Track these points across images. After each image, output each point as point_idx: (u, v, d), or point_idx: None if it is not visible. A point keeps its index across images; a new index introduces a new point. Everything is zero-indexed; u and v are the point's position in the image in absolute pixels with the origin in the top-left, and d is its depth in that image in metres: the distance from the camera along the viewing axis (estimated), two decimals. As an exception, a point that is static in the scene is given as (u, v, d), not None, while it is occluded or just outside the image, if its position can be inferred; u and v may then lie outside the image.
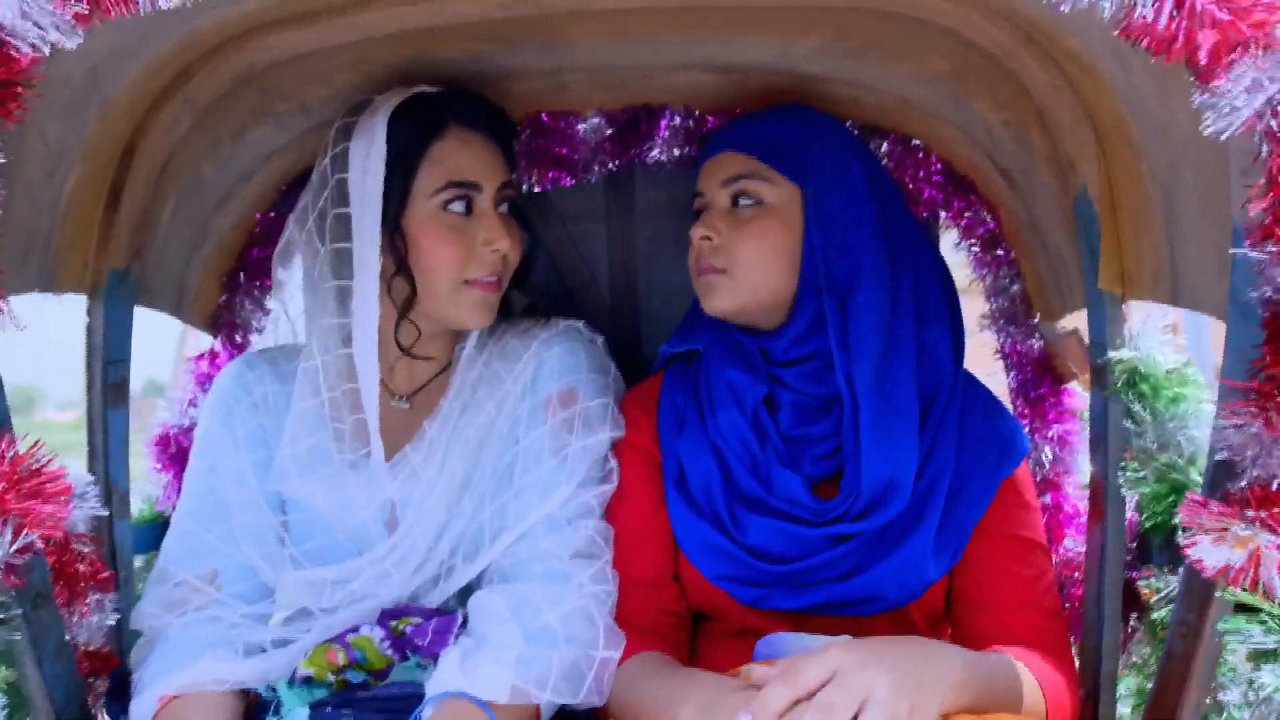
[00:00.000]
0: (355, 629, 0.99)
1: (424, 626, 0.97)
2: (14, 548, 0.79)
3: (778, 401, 1.07)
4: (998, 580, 1.02)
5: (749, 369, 1.07)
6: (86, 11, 0.71)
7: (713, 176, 1.10)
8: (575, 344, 1.11)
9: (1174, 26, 0.62)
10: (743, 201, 1.07)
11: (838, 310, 1.04)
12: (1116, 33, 0.66)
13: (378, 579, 1.03)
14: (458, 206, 1.05)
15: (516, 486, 1.04)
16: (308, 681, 0.95)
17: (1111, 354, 0.97)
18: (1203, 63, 0.62)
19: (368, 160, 1.02)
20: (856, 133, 1.25)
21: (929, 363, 1.06)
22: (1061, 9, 0.65)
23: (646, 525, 1.07)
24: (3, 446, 0.82)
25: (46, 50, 0.71)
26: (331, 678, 0.96)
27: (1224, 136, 0.63)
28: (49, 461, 0.85)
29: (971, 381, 1.11)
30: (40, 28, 0.70)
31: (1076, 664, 1.03)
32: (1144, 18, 0.63)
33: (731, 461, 1.05)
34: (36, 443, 0.85)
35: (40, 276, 0.97)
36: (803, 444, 1.06)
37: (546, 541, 1.01)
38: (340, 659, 0.96)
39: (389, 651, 0.97)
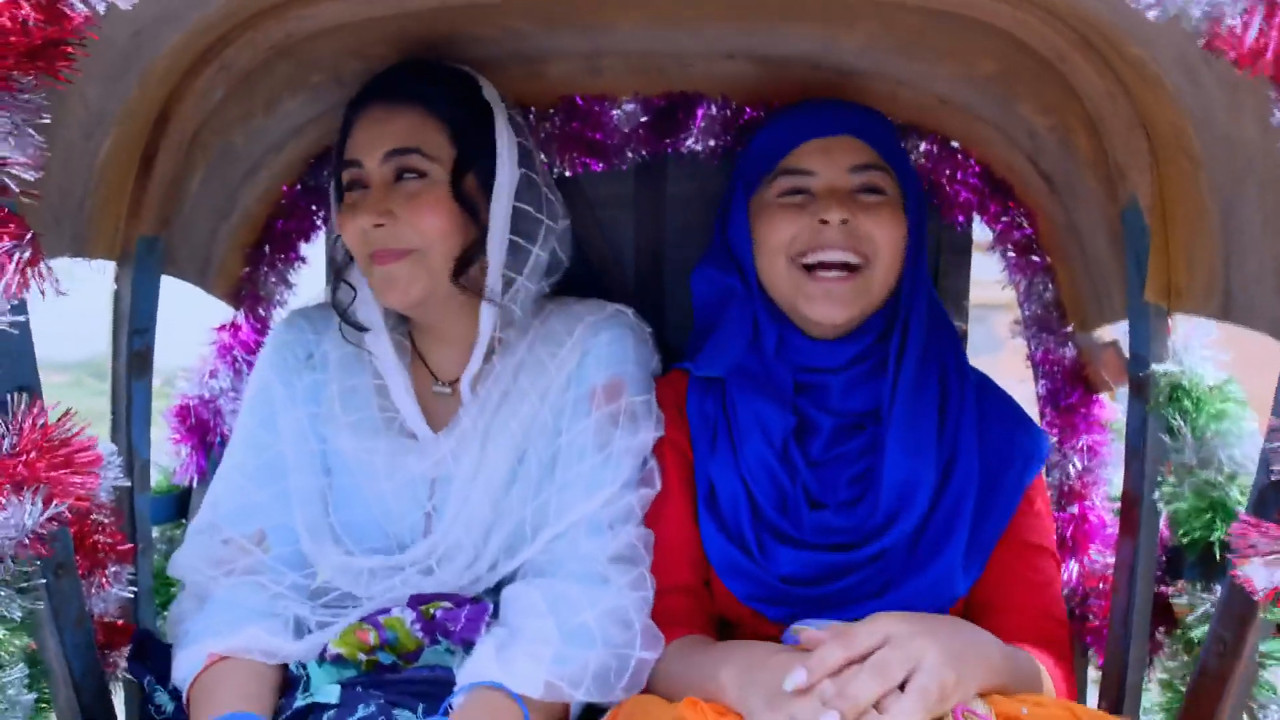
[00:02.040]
0: (386, 610, 0.98)
1: (456, 613, 0.96)
2: (45, 516, 0.78)
3: (809, 427, 1.05)
4: (1009, 584, 1.03)
5: (777, 400, 1.04)
6: (143, -28, 0.69)
7: (832, 157, 1.03)
8: (623, 332, 1.07)
9: (1263, 40, 0.61)
10: (870, 192, 1.03)
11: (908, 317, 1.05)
12: (1201, 43, 0.64)
13: (420, 575, 1.02)
14: (354, 187, 1.03)
15: (559, 482, 1.02)
16: (338, 660, 0.94)
17: (1155, 367, 0.96)
18: (1291, 78, 0.61)
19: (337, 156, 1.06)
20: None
21: (943, 370, 1.07)
22: (1147, 15, 0.64)
23: (683, 532, 1.06)
24: (34, 415, 0.81)
25: (101, 9, 0.70)
26: (362, 657, 0.95)
27: (1305, 153, 0.62)
28: (80, 431, 0.84)
29: (986, 386, 1.10)
30: (95, -14, 0.68)
31: (1101, 676, 1.03)
32: (1232, 29, 0.62)
33: (758, 495, 1.03)
34: (67, 412, 0.84)
35: (73, 241, 0.95)
36: (837, 465, 1.04)
37: (587, 544, 0.99)
38: (372, 639, 0.95)
39: (420, 634, 0.96)
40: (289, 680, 0.95)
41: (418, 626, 0.96)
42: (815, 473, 1.03)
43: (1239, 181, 0.81)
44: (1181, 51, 0.79)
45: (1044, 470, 1.12)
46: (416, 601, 0.99)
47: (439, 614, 0.97)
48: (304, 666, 0.94)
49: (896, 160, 1.07)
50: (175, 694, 0.97)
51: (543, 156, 1.29)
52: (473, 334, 1.06)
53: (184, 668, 0.96)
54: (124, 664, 1.00)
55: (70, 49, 0.73)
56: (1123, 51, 0.89)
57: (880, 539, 1.00)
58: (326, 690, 0.86)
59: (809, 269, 1.02)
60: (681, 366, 1.13)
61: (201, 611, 1.00)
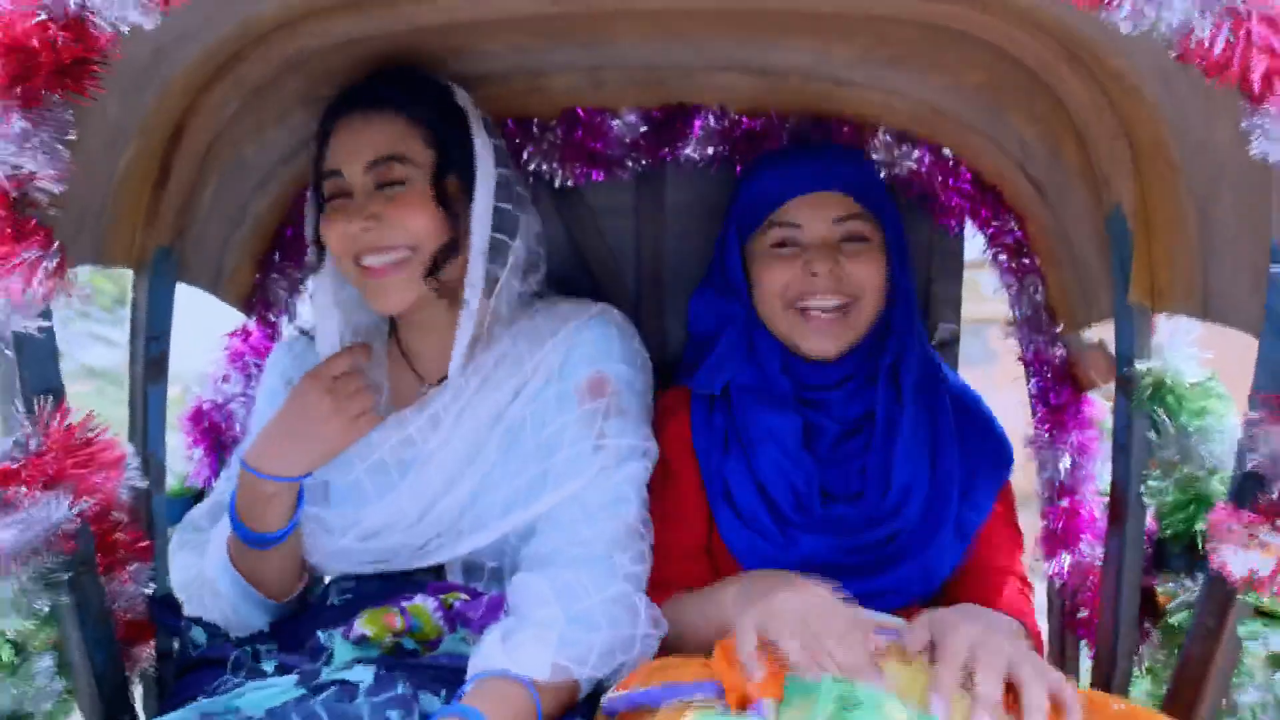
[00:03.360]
0: (410, 597, 1.01)
1: (475, 603, 0.99)
2: (70, 514, 0.81)
3: (816, 431, 1.15)
4: (981, 550, 1.14)
5: (783, 408, 1.14)
6: (168, -6, 0.72)
7: (817, 212, 1.15)
8: (607, 329, 1.10)
9: (1229, 52, 0.64)
10: (852, 240, 1.14)
11: (899, 346, 1.15)
12: (1173, 55, 0.68)
13: (358, 541, 1.07)
14: (336, 197, 1.06)
15: (542, 469, 1.05)
16: (362, 640, 0.97)
17: (1139, 365, 0.99)
18: (1255, 87, 0.64)
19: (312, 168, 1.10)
20: (889, 139, 1.28)
21: (929, 380, 1.18)
22: (1121, 28, 0.67)
23: (685, 502, 1.14)
24: (58, 415, 0.84)
25: (125, 30, 0.73)
26: (388, 640, 0.98)
27: (1271, 159, 0.65)
28: (103, 431, 0.87)
29: (962, 391, 1.22)
30: (123, 8, 0.72)
31: (1092, 666, 1.06)
32: (1201, 42, 0.66)
33: (776, 497, 1.12)
34: (90, 412, 0.87)
35: (93, 250, 0.98)
36: (845, 462, 1.14)
37: (585, 528, 1.02)
38: (398, 624, 0.98)
39: (440, 622, 0.99)
40: (315, 649, 0.98)
41: (439, 615, 0.99)
42: (827, 470, 1.13)
43: (1214, 185, 0.85)
44: (1158, 62, 0.83)
45: (1036, 467, 1.25)
46: (436, 590, 1.02)
47: (458, 604, 1.00)
48: (330, 638, 0.97)
49: (876, 204, 1.17)
50: (208, 626, 1.03)
51: (545, 166, 1.33)
52: (446, 322, 1.10)
53: (215, 551, 1.06)
54: (144, 660, 1.03)
55: (96, 67, 0.77)
56: (1104, 63, 0.93)
57: (885, 525, 1.10)
58: (359, 670, 0.89)
59: (803, 310, 1.14)
60: (682, 384, 1.22)
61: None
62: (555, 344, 1.08)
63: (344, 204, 1.05)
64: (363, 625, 0.97)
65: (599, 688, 0.96)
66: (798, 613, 0.81)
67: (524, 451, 1.06)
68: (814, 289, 1.13)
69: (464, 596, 1.01)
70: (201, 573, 1.09)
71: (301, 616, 1.08)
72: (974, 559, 1.13)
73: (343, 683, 0.87)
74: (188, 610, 1.07)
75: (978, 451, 1.16)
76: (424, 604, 1.00)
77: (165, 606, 1.04)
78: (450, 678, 0.93)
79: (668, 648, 1.00)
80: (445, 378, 1.10)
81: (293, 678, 0.91)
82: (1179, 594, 0.96)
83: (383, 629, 0.98)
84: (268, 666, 0.97)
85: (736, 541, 1.11)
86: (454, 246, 1.05)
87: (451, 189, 1.06)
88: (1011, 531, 1.17)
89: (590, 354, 1.08)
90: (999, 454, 1.17)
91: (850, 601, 0.88)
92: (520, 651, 0.91)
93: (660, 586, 1.05)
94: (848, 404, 1.16)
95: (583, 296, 1.18)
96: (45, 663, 0.83)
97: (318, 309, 1.11)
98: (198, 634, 1.02)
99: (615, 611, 0.97)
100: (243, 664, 0.98)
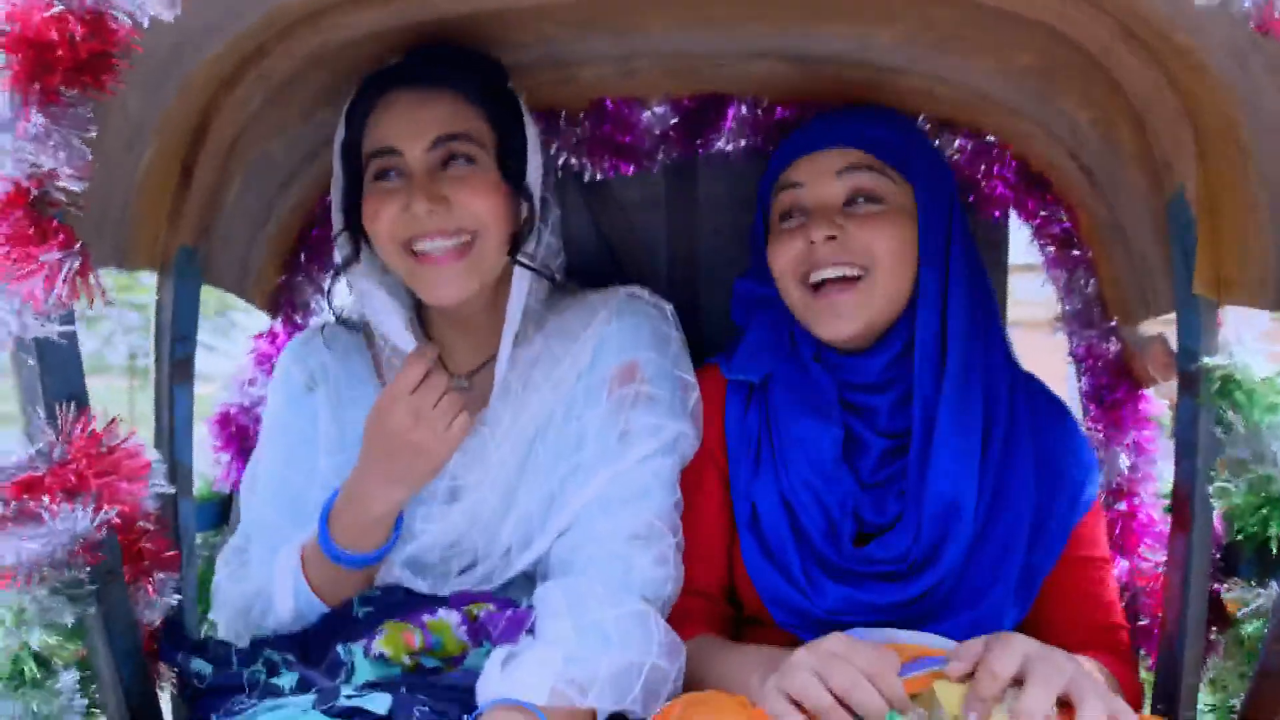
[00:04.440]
0: (433, 611, 0.97)
1: (498, 616, 0.96)
2: (94, 523, 0.79)
3: (858, 447, 1.02)
4: (1065, 602, 1.02)
5: (820, 414, 1.02)
6: (187, -17, 0.70)
7: (817, 165, 1.03)
8: (636, 319, 1.05)
9: (1322, 21, 0.59)
10: (862, 200, 1.01)
11: (934, 322, 1.00)
12: (1252, 26, 0.63)
13: (413, 573, 1.03)
14: (385, 177, 1.00)
15: (572, 464, 1.01)
16: (381, 659, 0.94)
17: (1206, 360, 0.94)
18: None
19: (337, 151, 1.04)
20: (926, 126, 1.23)
21: (993, 382, 1.02)
22: (1196, 1, 0.62)
23: (705, 537, 1.05)
24: (83, 423, 0.82)
25: (145, 22, 0.71)
26: (406, 659, 0.95)
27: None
28: (128, 437, 0.85)
29: (1038, 394, 1.06)
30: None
31: (1154, 678, 1.01)
32: (1287, 11, 0.61)
33: (805, 522, 1.01)
34: (114, 419, 0.85)
35: (115, 251, 0.96)
36: (888, 486, 1.01)
37: (603, 523, 0.98)
38: (417, 642, 0.95)
39: (464, 638, 0.96)
40: (333, 664, 0.95)
41: (463, 629, 0.96)
42: (865, 495, 1.01)
43: None
44: (1230, 38, 0.78)
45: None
46: (460, 601, 0.99)
47: (483, 615, 0.96)
48: (350, 653, 0.94)
49: (901, 159, 1.03)
50: (213, 658, 0.98)
51: (574, 160, 1.30)
52: (495, 321, 1.04)
53: (286, 568, 1.02)
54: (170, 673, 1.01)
55: (114, 62, 0.74)
56: (1168, 40, 0.88)
57: (927, 572, 0.97)
58: (375, 699, 0.85)
59: (816, 288, 1.02)
60: (714, 362, 1.12)
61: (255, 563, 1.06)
62: (587, 338, 1.04)
63: (398, 185, 0.99)
64: (381, 644, 0.94)
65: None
66: (814, 666, 0.75)
67: (555, 448, 1.02)
68: (818, 260, 0.99)
69: (490, 607, 0.97)
70: (257, 597, 1.04)
71: (324, 625, 1.03)
72: (1050, 610, 1.01)
73: (359, 711, 0.84)
74: (233, 634, 1.04)
75: (1055, 476, 1.01)
76: (447, 618, 0.96)
77: (171, 632, 1.00)
78: (472, 697, 0.89)
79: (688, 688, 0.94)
80: (474, 372, 1.07)
81: (310, 698, 0.88)
82: (1249, 601, 0.91)
83: (401, 648, 0.95)
84: (286, 681, 0.94)
85: (760, 578, 1.01)
86: (532, 225, 1.01)
87: (514, 172, 1.02)
88: (1098, 584, 1.02)
89: (620, 344, 1.03)
90: (1084, 477, 1.01)
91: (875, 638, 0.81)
92: (519, 675, 0.87)
93: (679, 618, 0.98)
94: (895, 414, 1.02)
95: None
96: (70, 677, 0.81)
97: (372, 304, 1.05)
98: (200, 665, 0.97)
99: (629, 629, 0.91)
100: (257, 683, 0.94)
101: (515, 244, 1.01)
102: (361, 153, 1.02)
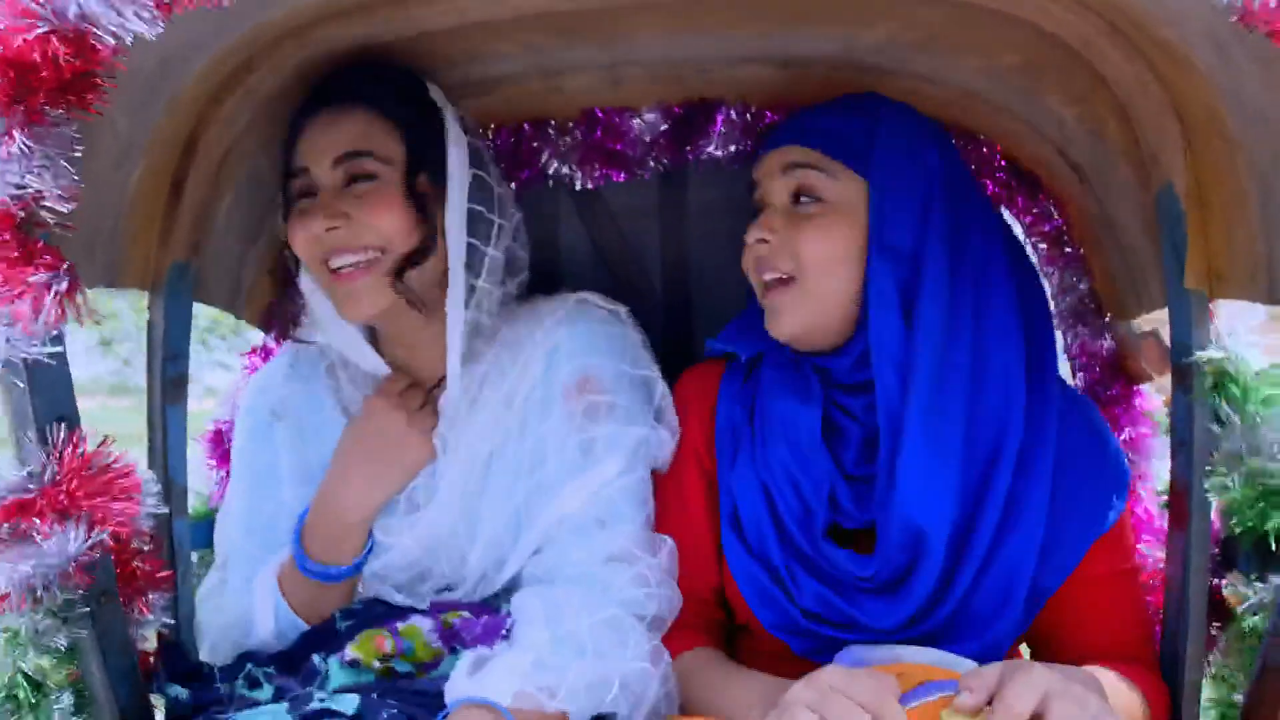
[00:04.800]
0: (405, 617, 0.97)
1: (473, 622, 0.96)
2: (87, 544, 0.79)
3: (839, 432, 0.99)
4: (1088, 625, 0.97)
5: (802, 396, 0.99)
6: (169, 1, 0.70)
7: (770, 167, 1.02)
8: (589, 323, 1.03)
9: (1302, 11, 0.59)
10: (803, 199, 0.98)
11: (893, 323, 0.94)
12: (1234, 18, 0.63)
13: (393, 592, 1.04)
14: (302, 199, 1.00)
15: (535, 483, 1.00)
16: (354, 664, 0.94)
17: (1198, 354, 0.94)
18: (1331, 50, 0.59)
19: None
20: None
21: (991, 393, 0.94)
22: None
23: (697, 537, 1.03)
24: (73, 444, 0.82)
25: (128, 40, 0.71)
26: (377, 664, 0.95)
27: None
28: (119, 457, 0.85)
29: (1076, 408, 0.99)
30: (122, 17, 0.69)
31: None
32: (1265, 3, 0.61)
33: (781, 508, 0.98)
34: (106, 438, 0.85)
35: (106, 271, 0.96)
36: (862, 485, 0.97)
37: (578, 548, 0.97)
38: (388, 647, 0.95)
39: (437, 644, 0.96)
40: (309, 671, 0.95)
41: (435, 635, 0.96)
42: (850, 486, 0.97)
43: (1276, 159, 0.80)
44: (1211, 29, 0.78)
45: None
46: (437, 609, 0.98)
47: (458, 622, 0.96)
48: (326, 661, 0.94)
49: (858, 154, 0.97)
50: (193, 678, 0.97)
51: (565, 169, 1.29)
52: (442, 339, 1.01)
53: (264, 589, 1.02)
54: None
55: (100, 81, 0.74)
56: (1151, 34, 0.88)
57: (904, 597, 0.92)
58: (344, 700, 0.85)
59: (768, 286, 1.00)
60: (711, 346, 1.10)
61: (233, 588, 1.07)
62: (534, 347, 1.02)
63: (311, 204, 1.00)
64: (353, 649, 0.94)
65: None
66: (812, 703, 0.73)
67: (513, 466, 1.01)
68: (758, 260, 0.98)
69: (465, 614, 0.97)
70: (234, 627, 1.04)
71: (306, 639, 1.03)
72: (1070, 627, 0.96)
73: (329, 712, 0.84)
74: (216, 655, 1.04)
75: (1071, 493, 0.94)
76: (419, 624, 0.96)
77: (166, 663, 1.00)
78: (442, 702, 0.88)
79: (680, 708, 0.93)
80: (430, 390, 1.05)
81: (283, 705, 0.88)
82: (1249, 595, 0.90)
83: (372, 653, 0.94)
84: (264, 694, 0.94)
85: (744, 582, 0.97)
86: (425, 249, 0.98)
87: (423, 188, 1.00)
88: (1124, 597, 0.97)
89: (571, 352, 1.01)
90: (1110, 492, 0.96)
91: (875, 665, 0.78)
92: (487, 677, 0.86)
93: (674, 628, 0.97)
94: (871, 414, 0.96)
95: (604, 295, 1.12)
96: (65, 701, 0.80)
97: (326, 322, 1.05)
98: (176, 690, 0.96)
99: (604, 638, 0.90)
100: (234, 697, 0.94)
101: (402, 268, 0.98)
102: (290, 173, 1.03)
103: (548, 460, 0.99)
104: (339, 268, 0.98)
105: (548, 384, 1.01)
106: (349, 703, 0.85)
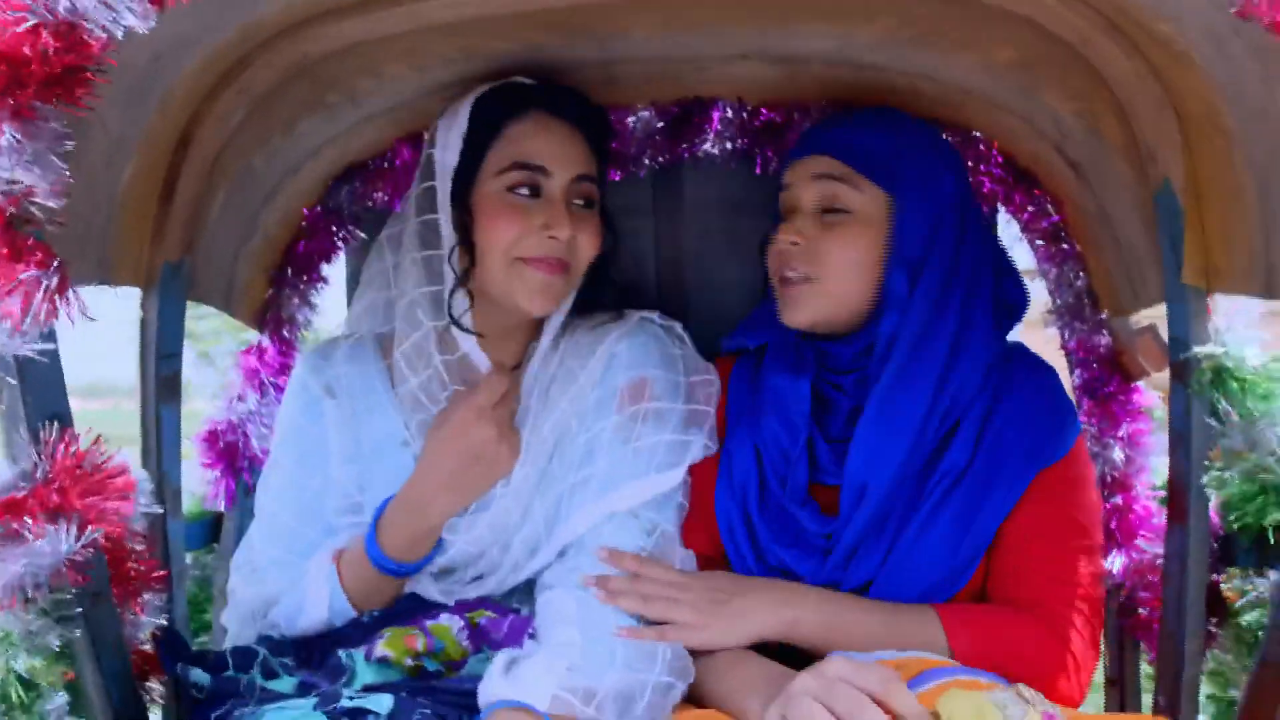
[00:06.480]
0: (435, 615, 0.97)
1: (500, 621, 0.96)
2: (79, 544, 0.78)
3: (828, 406, 1.07)
4: (1025, 569, 0.97)
5: (795, 370, 1.07)
6: (161, -6, 0.69)
7: (801, 174, 1.07)
8: (647, 336, 1.09)
9: (1300, 4, 0.59)
10: (832, 208, 1.05)
11: (898, 324, 1.02)
12: (1232, 11, 0.63)
13: (433, 580, 1.03)
14: (523, 189, 1.03)
15: (582, 476, 1.02)
16: (383, 661, 0.94)
17: (1196, 350, 0.94)
18: (1330, 42, 0.59)
19: (449, 135, 1.05)
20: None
21: (965, 384, 1.02)
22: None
23: (705, 503, 1.07)
24: (65, 442, 0.81)
25: (119, 34, 0.70)
26: (408, 662, 0.94)
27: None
28: (111, 457, 0.84)
29: (1022, 365, 1.05)
30: (113, 11, 0.68)
31: (1155, 672, 1.00)
32: (1266, -5, 0.61)
33: (768, 470, 1.05)
34: (98, 438, 0.84)
35: (98, 268, 0.95)
36: (843, 447, 1.04)
37: (615, 540, 0.98)
38: (419, 645, 0.95)
39: (465, 643, 0.96)
40: (336, 668, 0.94)
41: (465, 634, 0.96)
42: (832, 448, 1.04)
43: (1274, 154, 0.79)
44: (1209, 23, 0.78)
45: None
46: (462, 608, 0.98)
47: (484, 622, 0.96)
48: (351, 658, 0.93)
49: (885, 169, 1.04)
50: (210, 667, 0.97)
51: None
52: (518, 334, 1.09)
53: (319, 575, 1.02)
54: (159, 694, 0.99)
55: (90, 76, 0.73)
56: (1149, 29, 0.87)
57: (836, 547, 1.00)
58: (378, 699, 0.85)
59: (784, 280, 1.06)
60: (725, 345, 1.18)
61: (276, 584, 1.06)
62: (598, 355, 1.07)
63: (537, 204, 1.02)
64: (384, 646, 0.94)
65: None
66: (817, 693, 0.74)
67: (567, 460, 1.04)
68: (783, 259, 1.05)
69: (490, 614, 0.98)
70: (270, 603, 1.04)
71: (325, 629, 1.03)
72: (1004, 560, 0.98)
73: (361, 711, 0.83)
74: (242, 637, 1.04)
75: (1014, 439, 0.99)
76: (449, 623, 0.96)
77: (169, 643, 1.00)
78: (473, 702, 0.88)
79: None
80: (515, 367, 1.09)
81: (312, 700, 0.87)
82: (1248, 591, 0.90)
83: (403, 651, 0.94)
84: (286, 686, 0.94)
85: (725, 529, 1.05)
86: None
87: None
88: (1055, 523, 0.98)
89: (629, 360, 1.06)
90: (1045, 438, 0.99)
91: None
92: (522, 679, 0.87)
93: None
94: (858, 390, 1.05)
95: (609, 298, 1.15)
96: (58, 701, 0.80)
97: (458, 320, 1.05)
98: (199, 676, 0.96)
99: (635, 650, 0.91)
100: (254, 689, 0.94)
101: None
102: (485, 150, 1.03)
103: (597, 457, 1.02)
104: (538, 255, 1.02)
105: (604, 386, 1.05)
106: (383, 703, 0.85)
